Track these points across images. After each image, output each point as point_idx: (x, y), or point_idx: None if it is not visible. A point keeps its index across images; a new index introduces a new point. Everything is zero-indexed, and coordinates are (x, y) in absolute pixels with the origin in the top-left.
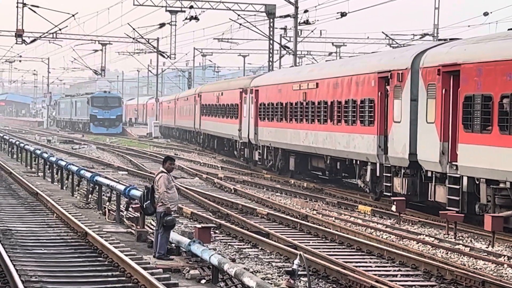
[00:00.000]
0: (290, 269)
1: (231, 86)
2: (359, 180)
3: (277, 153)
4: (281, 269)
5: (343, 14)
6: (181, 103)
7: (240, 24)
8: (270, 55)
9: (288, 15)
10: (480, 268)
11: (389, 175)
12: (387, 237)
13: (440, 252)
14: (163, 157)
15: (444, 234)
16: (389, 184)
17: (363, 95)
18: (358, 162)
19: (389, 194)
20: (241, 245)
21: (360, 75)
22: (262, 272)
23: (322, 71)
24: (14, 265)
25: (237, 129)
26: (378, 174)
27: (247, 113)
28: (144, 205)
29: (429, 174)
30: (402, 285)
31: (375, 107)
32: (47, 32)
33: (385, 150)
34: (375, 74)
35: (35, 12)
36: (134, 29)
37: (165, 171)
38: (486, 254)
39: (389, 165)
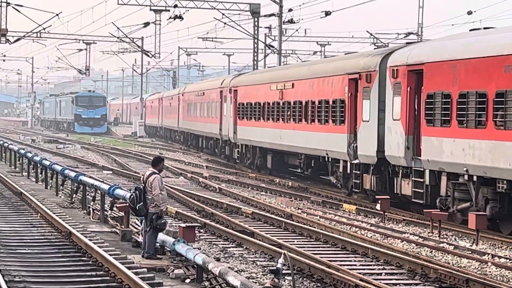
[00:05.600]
0: (274, 268)
1: (318, 72)
2: None
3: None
4: (265, 268)
5: (327, 13)
6: (190, 99)
7: (225, 23)
8: (255, 54)
9: (272, 14)
10: (464, 266)
11: None
12: (371, 236)
13: (424, 250)
14: (152, 158)
15: (429, 233)
16: None
17: None
18: None
19: None
20: (225, 244)
21: None
22: (247, 271)
23: None
24: None
25: (345, 141)
26: None
27: (376, 112)
28: (137, 207)
29: None
30: (387, 284)
31: None
32: (31, 32)
33: None
34: None
35: (19, 11)
36: (118, 28)
37: (157, 172)
38: (470, 252)
39: None
